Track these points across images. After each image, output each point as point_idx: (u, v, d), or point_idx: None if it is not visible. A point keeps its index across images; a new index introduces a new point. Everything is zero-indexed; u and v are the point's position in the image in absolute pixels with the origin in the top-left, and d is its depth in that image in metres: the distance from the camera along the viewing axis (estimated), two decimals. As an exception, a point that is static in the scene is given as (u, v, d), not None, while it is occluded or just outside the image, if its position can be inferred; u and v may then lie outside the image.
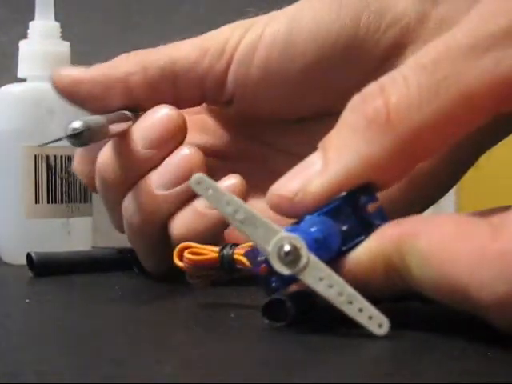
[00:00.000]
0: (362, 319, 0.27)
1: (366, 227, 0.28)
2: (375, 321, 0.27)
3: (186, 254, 0.33)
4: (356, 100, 0.29)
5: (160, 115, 0.39)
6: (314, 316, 0.30)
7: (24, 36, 0.52)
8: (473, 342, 0.26)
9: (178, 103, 0.40)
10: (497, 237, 0.25)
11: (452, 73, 0.27)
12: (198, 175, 0.28)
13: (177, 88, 0.40)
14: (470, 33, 0.28)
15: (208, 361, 0.25)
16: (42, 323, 0.32)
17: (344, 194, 0.28)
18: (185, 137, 0.39)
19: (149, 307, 0.35)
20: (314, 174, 0.28)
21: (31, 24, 0.52)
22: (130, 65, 0.40)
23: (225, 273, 0.33)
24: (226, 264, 0.32)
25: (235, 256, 0.32)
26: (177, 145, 0.39)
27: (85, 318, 0.32)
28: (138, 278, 0.43)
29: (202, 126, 0.43)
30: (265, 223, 0.27)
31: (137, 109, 0.40)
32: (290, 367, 0.24)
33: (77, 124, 0.34)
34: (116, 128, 0.38)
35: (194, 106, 0.42)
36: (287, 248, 0.27)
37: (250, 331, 0.29)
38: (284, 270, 0.27)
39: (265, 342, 0.28)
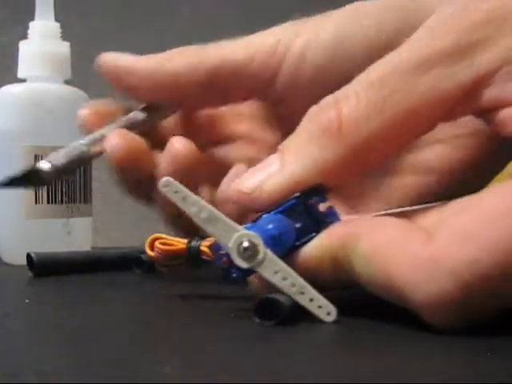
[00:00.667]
0: (312, 308, 0.29)
1: (317, 225, 0.31)
2: (324, 309, 0.29)
3: (157, 244, 0.35)
4: (313, 110, 0.31)
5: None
6: (302, 312, 0.30)
7: (24, 36, 0.52)
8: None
9: (225, 101, 0.41)
10: (429, 242, 0.27)
11: (397, 89, 0.30)
12: (166, 179, 0.30)
13: (225, 88, 0.41)
14: (417, 50, 0.30)
15: (208, 361, 0.25)
16: (42, 323, 0.32)
17: (298, 194, 0.30)
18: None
19: (149, 307, 0.35)
20: (271, 174, 0.31)
21: (31, 24, 0.52)
22: (180, 62, 0.40)
23: (191, 263, 0.35)
24: (193, 254, 0.35)
25: (201, 248, 0.34)
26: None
27: (85, 318, 0.32)
28: (138, 278, 0.43)
29: (250, 114, 0.44)
30: (226, 222, 0.30)
31: (164, 105, 0.41)
32: (290, 367, 0.24)
33: (44, 165, 0.38)
34: (96, 149, 0.40)
35: (241, 102, 0.43)
36: (246, 244, 0.30)
37: (250, 331, 0.29)
38: (243, 264, 0.30)
39: (265, 341, 0.28)
